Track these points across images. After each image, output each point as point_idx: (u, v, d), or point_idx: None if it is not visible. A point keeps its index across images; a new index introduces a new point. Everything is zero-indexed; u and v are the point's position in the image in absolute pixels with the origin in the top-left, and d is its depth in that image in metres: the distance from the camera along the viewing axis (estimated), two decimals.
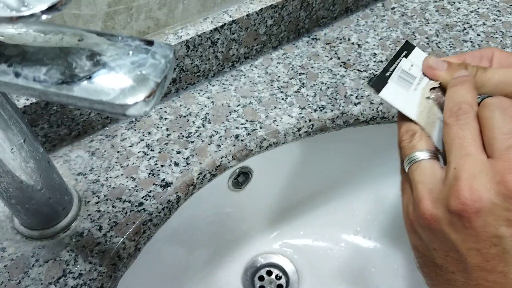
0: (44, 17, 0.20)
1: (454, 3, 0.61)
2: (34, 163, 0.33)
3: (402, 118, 0.30)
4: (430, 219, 0.25)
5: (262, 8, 0.48)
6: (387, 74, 0.34)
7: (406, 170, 0.28)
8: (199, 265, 0.52)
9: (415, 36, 0.56)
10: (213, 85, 0.50)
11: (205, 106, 0.48)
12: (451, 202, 0.24)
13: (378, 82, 0.33)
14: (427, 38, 0.56)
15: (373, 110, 0.48)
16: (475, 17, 0.59)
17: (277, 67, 0.52)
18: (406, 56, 0.35)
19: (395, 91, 0.33)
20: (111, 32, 0.23)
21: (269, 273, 0.56)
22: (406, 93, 0.33)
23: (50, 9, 0.20)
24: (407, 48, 0.35)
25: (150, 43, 0.23)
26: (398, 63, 0.34)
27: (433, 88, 0.33)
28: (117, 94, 0.21)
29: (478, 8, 0.60)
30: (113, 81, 0.21)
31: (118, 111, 0.21)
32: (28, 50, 0.23)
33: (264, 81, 0.50)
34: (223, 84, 0.50)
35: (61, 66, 0.22)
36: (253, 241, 0.56)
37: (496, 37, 0.56)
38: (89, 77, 0.21)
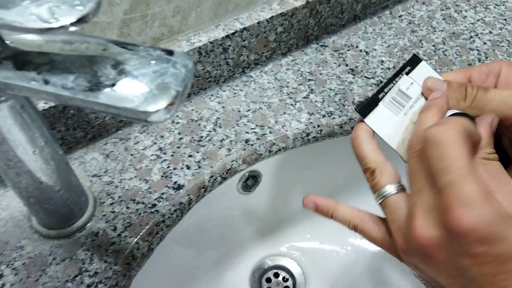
0: (72, 28, 0.21)
1: (461, 11, 0.62)
2: (53, 165, 0.34)
3: (358, 149, 0.29)
4: (404, 255, 0.26)
5: (272, 16, 0.49)
6: (380, 96, 0.32)
7: (378, 205, 0.28)
8: (208, 266, 0.53)
9: (422, 44, 0.57)
10: (224, 91, 0.51)
11: (216, 111, 0.49)
12: (411, 241, 0.25)
13: (367, 105, 0.31)
14: (433, 46, 0.57)
15: None
16: (482, 26, 0.60)
17: (286, 73, 0.53)
18: (409, 72, 0.33)
19: (382, 115, 0.31)
20: (133, 42, 0.25)
21: (276, 275, 0.57)
22: (394, 118, 0.31)
23: (79, 21, 0.21)
24: (413, 63, 0.33)
25: (170, 53, 0.24)
26: (397, 81, 0.32)
27: None
28: (141, 101, 0.22)
29: (485, 17, 0.61)
30: (137, 89, 0.22)
31: (141, 118, 0.22)
32: (55, 59, 0.24)
33: (274, 87, 0.52)
34: (234, 89, 0.51)
35: (87, 74, 0.23)
36: (260, 243, 0.57)
37: (502, 46, 0.57)
38: (114, 85, 0.22)
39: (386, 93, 0.32)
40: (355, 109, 0.31)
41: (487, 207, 0.23)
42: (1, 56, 0.24)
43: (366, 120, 0.31)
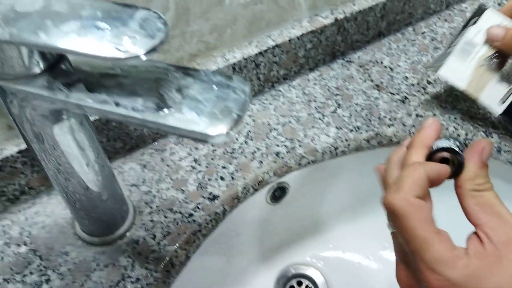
0: (144, 58, 0.23)
1: None
2: (102, 176, 0.36)
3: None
4: None
5: (303, 34, 0.51)
6: (448, 50, 0.39)
7: (390, 232, 0.30)
8: (235, 273, 0.55)
9: None
10: (254, 104, 0.53)
11: (247, 124, 0.51)
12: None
13: (438, 61, 0.39)
14: None
15: (405, 131, 0.50)
16: None
17: (313, 88, 0.55)
18: (475, 22, 0.39)
19: (452, 66, 0.38)
20: (193, 67, 0.27)
21: (300, 283, 0.58)
22: (463, 65, 0.38)
23: (151, 50, 0.23)
24: (479, 13, 0.39)
25: (230, 78, 0.26)
26: (464, 33, 0.39)
27: (490, 56, 0.36)
28: (206, 125, 0.24)
29: None
30: (202, 113, 0.24)
31: (205, 139, 0.24)
32: (123, 82, 0.26)
33: (302, 101, 0.53)
34: (263, 103, 0.53)
35: (154, 98, 0.25)
36: (285, 252, 0.59)
37: None
38: (181, 108, 0.24)
39: (455, 46, 0.39)
40: (426, 67, 0.40)
41: (452, 269, 0.24)
42: (73, 78, 0.26)
43: (439, 72, 0.39)
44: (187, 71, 0.26)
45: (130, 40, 0.23)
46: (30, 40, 0.23)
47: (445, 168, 0.28)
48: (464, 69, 0.38)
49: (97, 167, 0.35)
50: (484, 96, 0.38)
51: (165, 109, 0.24)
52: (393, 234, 0.31)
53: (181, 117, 0.24)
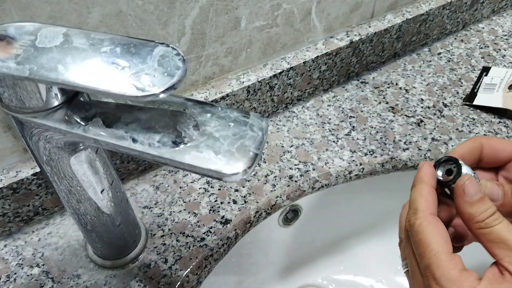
0: (162, 96, 0.23)
1: (500, 50, 0.63)
2: (116, 202, 0.36)
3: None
4: None
5: (317, 56, 0.51)
6: (475, 90, 0.56)
7: (404, 271, 0.31)
8: None
9: (461, 83, 0.58)
10: (268, 125, 0.53)
11: None
12: None
13: (470, 97, 0.55)
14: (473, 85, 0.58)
15: (421, 156, 0.50)
16: None
17: (327, 109, 0.55)
18: (486, 74, 0.58)
19: (483, 97, 0.54)
20: (211, 103, 0.27)
21: None
22: (492, 95, 0.54)
23: (169, 88, 0.23)
24: (485, 70, 0.58)
25: (247, 115, 0.26)
26: (481, 81, 0.57)
27: (511, 85, 0.54)
28: (224, 164, 0.23)
29: None
30: (219, 151, 0.24)
31: (219, 177, 0.24)
32: (141, 117, 0.26)
33: (316, 123, 0.53)
34: (277, 124, 0.53)
35: (172, 135, 0.25)
36: (296, 273, 0.58)
37: None
38: (198, 146, 0.24)
39: (478, 88, 0.56)
40: (463, 100, 0.56)
41: (459, 287, 0.25)
42: (91, 113, 0.27)
43: (475, 102, 0.54)
44: (204, 107, 0.26)
45: (148, 78, 0.23)
46: (49, 77, 0.23)
47: (428, 169, 0.30)
48: (494, 96, 0.54)
49: (111, 194, 0.35)
50: None
51: (182, 146, 0.24)
52: (407, 273, 0.30)
53: (198, 155, 0.24)
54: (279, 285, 0.57)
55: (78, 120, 0.26)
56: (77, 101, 0.28)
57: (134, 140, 0.25)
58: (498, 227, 0.26)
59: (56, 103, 0.27)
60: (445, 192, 0.31)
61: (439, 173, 0.31)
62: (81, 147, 0.30)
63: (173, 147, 0.24)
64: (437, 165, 0.31)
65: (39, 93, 0.26)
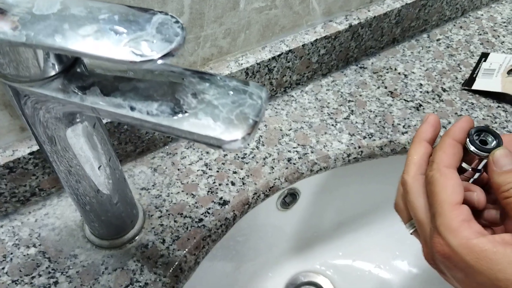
0: (160, 61, 0.23)
1: (498, 36, 0.63)
2: (114, 180, 0.36)
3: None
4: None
5: (316, 39, 0.51)
6: (474, 75, 0.56)
7: (410, 233, 0.32)
8: (245, 279, 0.54)
9: (460, 68, 0.58)
10: (266, 109, 0.53)
11: (259, 129, 0.50)
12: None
13: (469, 82, 0.55)
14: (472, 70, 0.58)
15: None
16: None
17: (326, 93, 0.54)
18: (485, 60, 0.58)
19: (482, 82, 0.54)
20: (210, 72, 0.26)
21: None
22: (491, 80, 0.54)
23: (167, 55, 0.23)
24: (484, 55, 0.58)
25: (246, 83, 0.26)
26: (480, 66, 0.57)
27: (509, 70, 0.54)
28: (222, 130, 0.23)
29: None
30: (218, 118, 0.24)
31: (220, 145, 0.24)
32: (139, 86, 0.26)
33: (314, 107, 0.53)
34: (275, 108, 0.53)
35: (170, 102, 0.25)
36: (295, 259, 0.58)
37: None
38: (196, 113, 0.24)
39: (477, 73, 0.56)
40: (462, 85, 0.55)
41: (455, 237, 0.25)
42: (88, 82, 0.26)
43: (473, 87, 0.54)
44: (203, 76, 0.26)
45: (146, 44, 0.23)
46: (46, 42, 0.23)
47: (463, 123, 0.30)
48: (493, 82, 0.54)
49: (108, 171, 0.35)
50: None
51: (180, 114, 0.24)
52: (414, 233, 0.31)
53: (196, 122, 0.24)
54: (277, 270, 0.57)
55: (75, 90, 0.26)
56: (74, 71, 0.27)
57: (132, 108, 0.25)
58: None
59: (53, 72, 0.26)
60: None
61: (475, 139, 0.30)
62: (78, 120, 0.30)
63: (171, 114, 0.24)
64: (473, 132, 0.30)
65: (36, 61, 0.26)
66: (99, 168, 0.34)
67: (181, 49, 0.24)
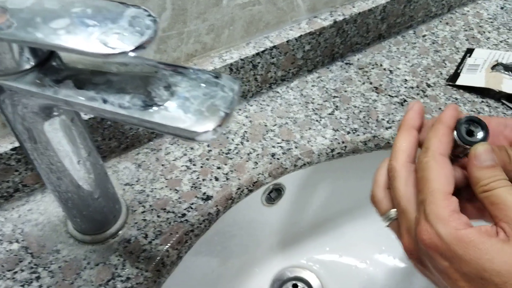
0: (132, 54, 0.23)
1: (484, 32, 0.63)
2: (94, 174, 0.36)
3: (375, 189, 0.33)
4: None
5: (301, 35, 0.51)
6: (458, 71, 0.56)
7: (386, 225, 0.32)
8: (230, 275, 0.55)
9: (445, 64, 0.58)
10: (251, 105, 0.53)
11: (244, 124, 0.51)
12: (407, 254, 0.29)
13: (453, 77, 0.55)
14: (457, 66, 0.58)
15: None
16: (505, 47, 0.61)
17: (311, 89, 0.55)
18: (470, 55, 0.58)
19: (466, 77, 0.55)
20: (183, 65, 0.27)
21: (295, 286, 0.58)
22: (475, 75, 0.54)
23: (138, 47, 0.23)
24: (469, 51, 0.59)
25: (218, 76, 0.26)
26: (465, 61, 0.57)
27: (493, 66, 0.55)
28: (193, 122, 0.23)
29: (508, 38, 0.62)
30: (189, 110, 0.24)
31: (191, 137, 0.24)
32: (112, 79, 0.26)
33: (299, 103, 0.53)
34: (261, 104, 0.53)
35: (142, 95, 0.25)
36: (281, 254, 0.58)
37: None
38: (167, 106, 0.24)
39: (461, 69, 0.56)
40: (446, 81, 0.56)
41: (444, 226, 0.25)
42: (62, 75, 0.26)
43: (457, 82, 0.54)
44: (176, 69, 0.26)
45: (118, 37, 0.23)
46: (19, 36, 0.23)
47: (453, 110, 0.30)
48: (477, 77, 0.54)
49: (88, 165, 0.35)
50: (505, 87, 0.52)
51: (151, 106, 0.24)
52: (391, 225, 0.31)
53: (167, 114, 0.24)
54: (263, 266, 0.57)
55: (50, 83, 0.26)
56: (49, 65, 0.27)
57: (104, 101, 0.25)
58: (501, 189, 0.26)
59: (27, 66, 0.27)
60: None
61: (463, 129, 0.30)
62: (55, 114, 0.30)
63: (143, 107, 0.24)
64: (462, 121, 0.30)
65: (10, 55, 0.26)
66: (78, 162, 0.34)
67: (153, 42, 0.24)
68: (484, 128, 0.29)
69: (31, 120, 0.30)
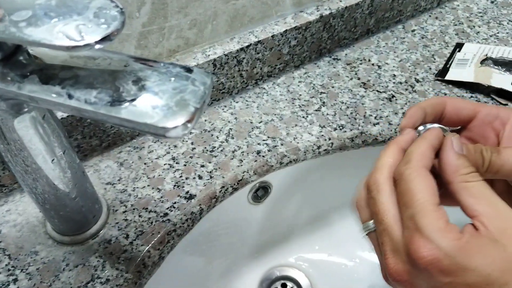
0: (97, 46, 0.22)
1: (474, 27, 0.62)
2: (70, 173, 0.35)
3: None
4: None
5: (286, 30, 0.50)
6: (448, 66, 0.55)
7: (364, 234, 0.30)
8: (217, 275, 0.54)
9: (435, 59, 0.57)
10: (237, 102, 0.52)
11: (229, 121, 0.50)
12: (388, 277, 0.26)
13: (442, 72, 0.55)
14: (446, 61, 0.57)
15: (391, 130, 0.49)
16: (495, 41, 0.60)
17: (298, 85, 0.54)
18: (459, 50, 0.57)
19: (455, 72, 0.54)
20: (153, 59, 0.26)
21: (284, 285, 0.57)
22: (464, 70, 0.54)
23: (103, 39, 0.22)
24: (458, 46, 0.58)
25: (189, 70, 0.25)
26: (454, 56, 0.56)
27: (483, 60, 0.55)
28: (160, 117, 0.22)
29: (498, 32, 0.61)
30: (157, 105, 0.23)
31: (160, 133, 0.23)
32: (79, 74, 0.25)
33: (286, 99, 0.52)
34: (246, 101, 0.52)
35: (109, 90, 0.24)
36: (269, 253, 0.57)
37: None
38: (134, 100, 0.23)
39: (451, 63, 0.56)
40: (435, 76, 0.55)
41: (444, 238, 0.23)
42: (28, 70, 0.25)
43: (447, 77, 0.54)
44: (146, 63, 0.25)
45: (83, 29, 0.22)
46: None
47: (439, 131, 0.29)
48: (466, 71, 0.54)
49: (64, 164, 0.34)
50: (494, 82, 0.52)
51: (118, 102, 0.23)
52: (369, 235, 0.29)
53: (135, 109, 0.23)
54: (251, 265, 0.56)
55: (14, 78, 0.25)
56: (15, 60, 0.26)
57: (70, 96, 0.24)
58: (481, 182, 0.26)
59: None
60: None
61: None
62: (25, 110, 0.29)
63: (109, 102, 0.23)
64: (423, 127, 0.30)
65: None
66: (52, 161, 0.33)
67: (119, 33, 0.23)
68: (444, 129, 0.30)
69: (1, 117, 0.29)
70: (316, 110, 0.51)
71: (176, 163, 0.46)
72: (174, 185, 0.44)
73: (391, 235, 0.26)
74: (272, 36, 0.49)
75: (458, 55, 0.56)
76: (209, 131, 0.49)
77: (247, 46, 0.48)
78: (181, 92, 0.23)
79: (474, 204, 0.25)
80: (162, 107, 0.23)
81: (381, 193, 0.27)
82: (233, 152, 0.47)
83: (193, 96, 0.23)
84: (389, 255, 0.26)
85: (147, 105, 0.23)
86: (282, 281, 0.57)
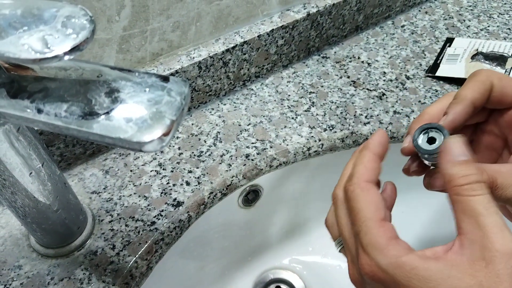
0: (66, 57, 0.21)
1: (464, 21, 0.61)
2: (51, 186, 0.34)
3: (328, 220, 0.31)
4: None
5: (273, 29, 0.49)
6: (438, 62, 0.54)
7: (338, 250, 0.30)
8: (210, 280, 0.53)
9: (425, 55, 0.56)
10: (225, 104, 0.51)
11: (217, 125, 0.49)
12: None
13: (433, 69, 0.54)
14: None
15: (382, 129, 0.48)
16: (485, 35, 0.59)
17: (287, 85, 0.53)
18: (449, 45, 0.56)
19: (446, 68, 0.53)
20: (128, 68, 0.24)
21: None
22: (455, 66, 0.53)
23: (72, 50, 0.21)
24: (449, 41, 0.57)
25: (166, 79, 0.24)
26: (445, 52, 0.55)
27: (473, 55, 0.54)
28: (134, 132, 0.21)
29: (488, 26, 0.61)
30: (131, 119, 0.22)
31: (135, 148, 0.22)
32: (49, 86, 0.24)
33: (275, 100, 0.51)
34: (234, 103, 0.51)
35: (81, 103, 0.23)
36: (262, 256, 0.56)
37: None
38: (108, 114, 0.22)
39: (441, 59, 0.55)
40: (426, 72, 0.54)
41: (385, 256, 0.23)
42: None
43: (437, 73, 0.53)
44: (120, 73, 0.24)
45: (49, 40, 0.21)
46: None
47: (381, 135, 0.28)
48: (457, 67, 0.53)
49: (43, 176, 0.33)
50: None
51: (91, 116, 0.22)
52: (342, 250, 0.29)
53: (108, 124, 0.22)
54: (244, 269, 0.56)
55: None
56: None
57: (39, 111, 0.23)
58: (477, 198, 0.23)
59: None
60: (424, 164, 0.29)
61: (420, 141, 0.27)
62: None
63: (81, 117, 0.22)
64: (418, 132, 0.27)
65: None
66: (30, 174, 0.32)
67: (89, 43, 0.22)
68: (442, 129, 0.27)
69: None
70: (305, 111, 0.50)
71: (163, 169, 0.45)
72: (161, 192, 0.43)
73: (349, 248, 0.27)
74: (258, 36, 0.48)
75: (449, 50, 0.55)
76: (196, 135, 0.48)
77: (233, 47, 0.47)
78: (156, 103, 0.22)
79: (462, 222, 0.23)
80: (136, 121, 0.22)
81: (339, 208, 0.28)
82: (221, 156, 0.46)
83: (169, 108, 0.22)
84: (349, 265, 0.27)
85: (121, 119, 0.22)
86: (276, 284, 0.56)
